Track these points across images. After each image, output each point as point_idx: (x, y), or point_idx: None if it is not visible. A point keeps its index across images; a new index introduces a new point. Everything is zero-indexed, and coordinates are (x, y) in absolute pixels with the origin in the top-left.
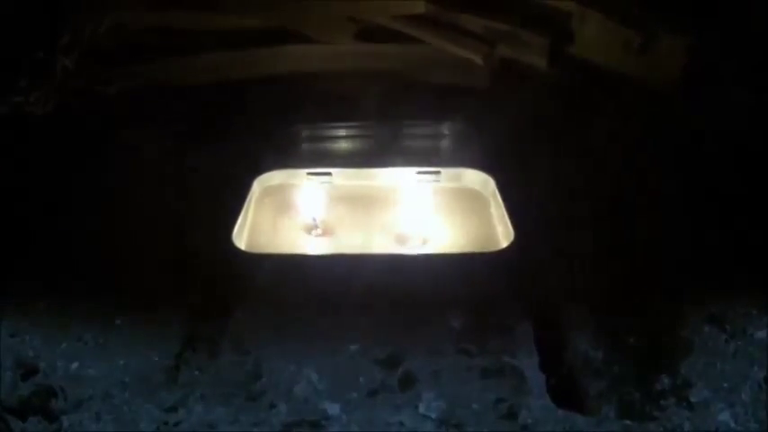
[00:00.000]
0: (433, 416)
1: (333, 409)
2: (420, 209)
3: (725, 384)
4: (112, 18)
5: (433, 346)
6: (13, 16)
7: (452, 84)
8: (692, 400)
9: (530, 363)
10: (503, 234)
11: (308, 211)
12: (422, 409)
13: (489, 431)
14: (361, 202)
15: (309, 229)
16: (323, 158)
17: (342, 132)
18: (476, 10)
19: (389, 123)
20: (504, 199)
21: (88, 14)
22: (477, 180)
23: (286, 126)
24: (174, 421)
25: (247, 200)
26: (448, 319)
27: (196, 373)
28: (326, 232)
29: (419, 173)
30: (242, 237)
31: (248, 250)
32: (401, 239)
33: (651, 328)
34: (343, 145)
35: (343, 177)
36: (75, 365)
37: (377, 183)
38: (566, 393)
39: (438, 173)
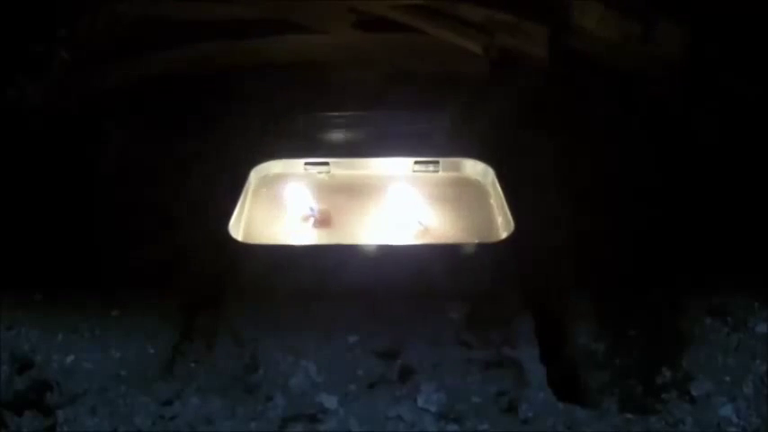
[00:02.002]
0: (433, 409)
1: (330, 401)
2: (418, 199)
3: (727, 378)
4: (109, 10)
5: (433, 338)
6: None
7: (452, 73)
8: (694, 393)
9: (530, 355)
10: (502, 225)
11: (306, 202)
12: (421, 403)
13: (489, 425)
14: (359, 192)
15: (307, 220)
16: (320, 148)
17: (340, 122)
18: None
19: (388, 113)
20: (504, 189)
21: (85, 7)
22: (477, 170)
23: (283, 116)
24: (170, 415)
25: (244, 190)
26: (447, 311)
27: (192, 365)
28: (324, 222)
29: (417, 162)
30: (239, 227)
31: (245, 241)
32: (399, 230)
33: (652, 321)
34: (342, 135)
35: (340, 167)
36: (70, 358)
37: (375, 172)
38: (567, 386)
39: (437, 163)
